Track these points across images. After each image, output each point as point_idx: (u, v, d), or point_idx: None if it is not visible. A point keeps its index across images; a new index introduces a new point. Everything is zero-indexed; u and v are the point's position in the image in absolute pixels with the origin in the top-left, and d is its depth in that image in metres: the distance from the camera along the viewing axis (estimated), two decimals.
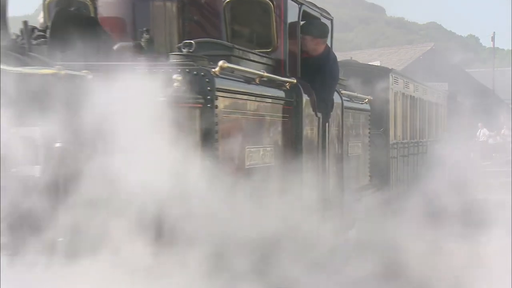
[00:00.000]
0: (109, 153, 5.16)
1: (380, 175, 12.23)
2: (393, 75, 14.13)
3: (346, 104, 9.50)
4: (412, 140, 16.15)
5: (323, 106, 8.42)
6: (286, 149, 7.51)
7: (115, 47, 6.59)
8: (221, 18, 7.53)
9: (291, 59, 7.79)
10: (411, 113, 15.99)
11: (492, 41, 62.19)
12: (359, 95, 10.54)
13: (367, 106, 10.84)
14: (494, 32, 62.21)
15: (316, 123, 8.23)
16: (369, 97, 10.82)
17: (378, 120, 12.46)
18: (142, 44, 6.65)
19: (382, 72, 13.86)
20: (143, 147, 5.31)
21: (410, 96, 15.90)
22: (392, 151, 13.60)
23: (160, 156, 5.37)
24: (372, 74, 13.14)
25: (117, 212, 5.12)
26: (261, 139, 6.93)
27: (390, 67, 14.77)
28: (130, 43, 6.68)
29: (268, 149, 7.10)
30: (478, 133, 42.52)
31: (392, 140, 13.80)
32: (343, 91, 9.64)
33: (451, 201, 15.41)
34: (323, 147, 8.46)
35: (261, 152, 6.91)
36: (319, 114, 8.30)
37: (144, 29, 6.70)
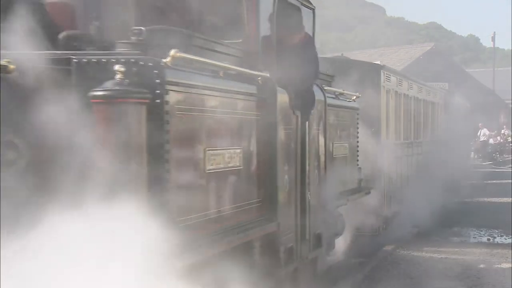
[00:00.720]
0: (29, 161, 4.34)
1: (372, 178, 11.37)
2: (385, 72, 13.26)
3: (330, 101, 8.66)
4: (406, 141, 15.24)
5: (302, 103, 7.59)
6: (259, 150, 6.68)
7: (61, 35, 5.74)
8: (185, 5, 6.69)
9: (266, 51, 6.95)
10: (405, 112, 15.09)
11: (492, 41, 61.63)
12: (346, 92, 9.70)
13: (355, 104, 10.00)
14: (495, 32, 61.93)
15: (294, 122, 7.39)
16: (357, 94, 9.98)
17: (368, 120, 11.61)
18: (91, 32, 5.83)
19: (373, 69, 12.96)
20: (76, 152, 4.49)
21: (404, 94, 15.01)
22: (384, 152, 12.70)
23: (98, 161, 4.54)
24: (362, 71, 12.24)
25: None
26: (227, 140, 6.09)
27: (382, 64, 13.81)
28: (77, 32, 5.85)
29: (237, 151, 6.26)
30: (479, 133, 41.87)
31: (384, 140, 12.92)
32: (327, 88, 8.81)
33: None
34: (303, 147, 7.63)
35: (227, 155, 6.07)
36: (298, 112, 7.47)
37: (94, 15, 5.88)
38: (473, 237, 15.25)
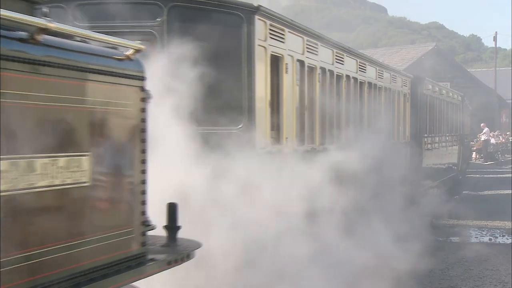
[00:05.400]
0: None
1: (221, 213, 5.37)
2: (267, 21, 6.85)
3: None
4: (324, 145, 8.72)
5: None
6: None
7: None
8: None
9: None
10: (325, 99, 8.67)
11: (494, 41, 59.35)
12: (108, 39, 3.82)
13: (135, 70, 4.12)
14: (496, 32, 61.09)
15: None
16: (139, 46, 4.07)
17: (229, 107, 5.77)
18: None
19: (238, 12, 6.49)
20: None
21: (324, 69, 8.73)
22: (263, 166, 6.28)
23: None
24: (217, 19, 6.20)
25: None
26: None
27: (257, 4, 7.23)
28: None
29: None
30: (484, 132, 40.60)
31: (261, 143, 6.55)
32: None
33: None
34: None
35: None
36: None
37: None
38: (475, 237, 14.71)
